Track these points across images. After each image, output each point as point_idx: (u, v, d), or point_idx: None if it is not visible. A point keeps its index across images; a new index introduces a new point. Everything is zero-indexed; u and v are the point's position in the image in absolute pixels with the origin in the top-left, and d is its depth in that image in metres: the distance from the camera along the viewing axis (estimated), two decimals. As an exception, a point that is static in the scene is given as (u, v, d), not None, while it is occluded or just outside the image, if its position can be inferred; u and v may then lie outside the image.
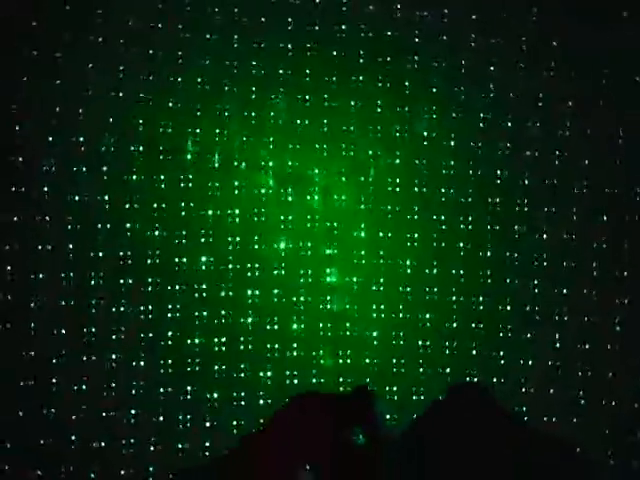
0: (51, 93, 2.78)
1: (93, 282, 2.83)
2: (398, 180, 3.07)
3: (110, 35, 2.84)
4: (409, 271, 3.06)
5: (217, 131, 2.98)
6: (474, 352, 3.02)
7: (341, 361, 3.03)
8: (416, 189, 3.07)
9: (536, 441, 1.71)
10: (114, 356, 2.84)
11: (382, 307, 3.05)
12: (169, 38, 2.92)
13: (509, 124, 3.05)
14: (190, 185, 2.96)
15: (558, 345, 3.01)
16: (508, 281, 3.04)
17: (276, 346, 3.01)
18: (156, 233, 2.91)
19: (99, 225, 2.84)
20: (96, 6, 2.82)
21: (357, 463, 1.55)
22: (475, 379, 2.94)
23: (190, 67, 2.95)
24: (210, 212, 2.97)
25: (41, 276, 2.76)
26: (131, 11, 2.86)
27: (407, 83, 3.06)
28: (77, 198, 2.82)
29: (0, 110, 2.73)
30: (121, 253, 2.87)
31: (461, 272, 3.05)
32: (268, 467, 1.55)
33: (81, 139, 2.83)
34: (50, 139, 2.79)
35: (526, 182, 3.05)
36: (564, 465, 1.64)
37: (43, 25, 2.76)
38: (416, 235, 3.07)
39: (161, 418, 2.88)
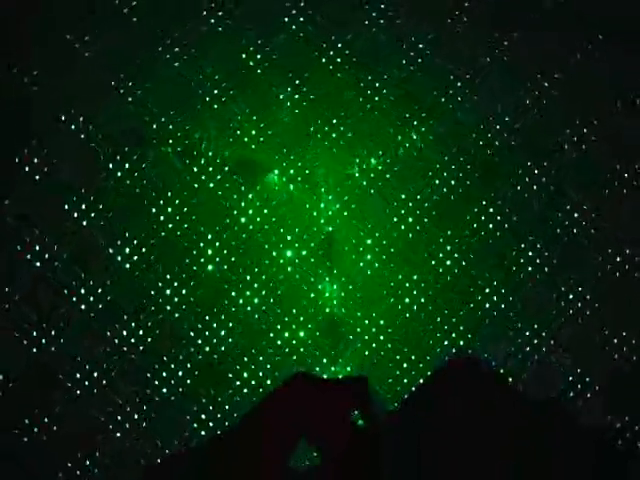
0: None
1: (98, 285, 2.84)
2: (408, 186, 3.06)
3: (114, 35, 2.88)
4: (415, 277, 3.04)
5: (222, 135, 3.00)
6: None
7: (349, 369, 3.01)
8: (426, 193, 3.06)
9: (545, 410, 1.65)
10: (118, 357, 2.83)
11: (388, 314, 3.03)
12: (179, 41, 2.95)
13: (506, 118, 3.05)
14: (194, 190, 2.97)
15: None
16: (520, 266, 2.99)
17: (282, 352, 2.99)
18: (160, 239, 2.91)
19: (104, 230, 2.86)
20: None
21: (362, 445, 1.53)
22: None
23: (198, 70, 2.97)
24: (217, 218, 2.97)
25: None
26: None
27: (414, 89, 3.07)
28: (79, 207, 2.84)
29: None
30: (125, 258, 2.87)
31: (471, 272, 3.03)
32: (269, 444, 1.52)
33: (81, 145, 2.85)
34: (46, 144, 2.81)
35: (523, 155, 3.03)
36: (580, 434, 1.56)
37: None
38: (423, 245, 3.05)
39: (163, 420, 2.86)
